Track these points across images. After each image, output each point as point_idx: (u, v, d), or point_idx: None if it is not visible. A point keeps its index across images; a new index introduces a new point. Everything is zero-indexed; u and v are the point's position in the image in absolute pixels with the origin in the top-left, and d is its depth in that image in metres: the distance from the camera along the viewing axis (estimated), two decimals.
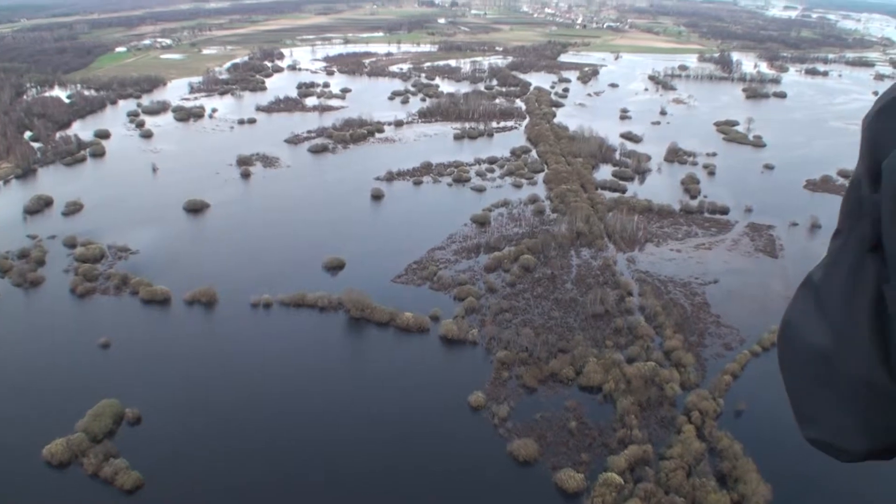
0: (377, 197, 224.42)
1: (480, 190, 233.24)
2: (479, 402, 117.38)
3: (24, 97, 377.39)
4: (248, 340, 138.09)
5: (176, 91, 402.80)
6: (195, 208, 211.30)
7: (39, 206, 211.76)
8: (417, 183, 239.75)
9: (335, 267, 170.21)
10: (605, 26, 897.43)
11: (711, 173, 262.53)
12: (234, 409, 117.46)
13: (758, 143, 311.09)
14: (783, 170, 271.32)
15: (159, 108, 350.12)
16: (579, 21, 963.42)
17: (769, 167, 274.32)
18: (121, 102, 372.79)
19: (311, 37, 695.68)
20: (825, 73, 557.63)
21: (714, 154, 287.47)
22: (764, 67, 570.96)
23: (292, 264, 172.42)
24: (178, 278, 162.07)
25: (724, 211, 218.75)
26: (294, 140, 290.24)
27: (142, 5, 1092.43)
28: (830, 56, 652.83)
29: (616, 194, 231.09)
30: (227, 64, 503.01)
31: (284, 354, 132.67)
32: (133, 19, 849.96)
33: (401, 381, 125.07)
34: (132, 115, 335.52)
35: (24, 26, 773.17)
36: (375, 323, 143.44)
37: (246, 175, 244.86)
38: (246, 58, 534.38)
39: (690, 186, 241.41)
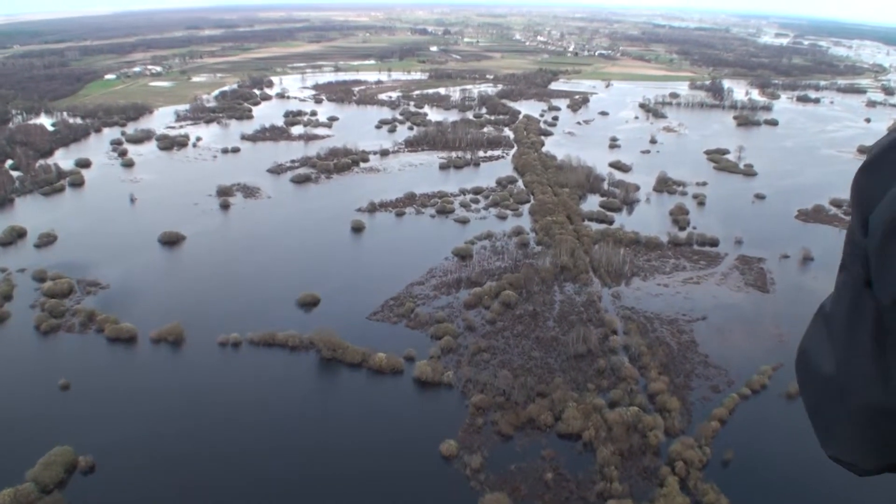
0: (357, 229, 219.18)
1: (464, 221, 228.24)
2: (452, 450, 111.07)
3: (9, 124, 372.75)
4: (213, 383, 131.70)
5: (162, 119, 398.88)
6: (170, 241, 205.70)
7: (12, 238, 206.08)
8: (400, 214, 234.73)
9: (309, 303, 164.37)
10: (596, 54, 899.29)
11: (701, 203, 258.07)
12: (195, 458, 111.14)
13: (749, 172, 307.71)
14: (774, 199, 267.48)
15: (143, 137, 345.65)
16: (571, 49, 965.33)
17: (760, 197, 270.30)
18: (105, 130, 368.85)
19: (301, 64, 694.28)
20: (817, 100, 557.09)
21: (704, 183, 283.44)
22: (755, 95, 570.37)
23: (265, 300, 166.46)
24: (147, 315, 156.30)
25: (714, 243, 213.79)
26: (277, 170, 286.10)
27: (135, 33, 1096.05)
28: (822, 83, 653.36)
29: (603, 226, 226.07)
30: (216, 92, 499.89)
31: (249, 398, 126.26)
32: (125, 46, 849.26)
33: (370, 427, 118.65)
34: (115, 144, 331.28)
35: (16, 52, 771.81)
36: (347, 364, 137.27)
37: (225, 206, 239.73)
38: (235, 85, 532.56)
39: (679, 217, 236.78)
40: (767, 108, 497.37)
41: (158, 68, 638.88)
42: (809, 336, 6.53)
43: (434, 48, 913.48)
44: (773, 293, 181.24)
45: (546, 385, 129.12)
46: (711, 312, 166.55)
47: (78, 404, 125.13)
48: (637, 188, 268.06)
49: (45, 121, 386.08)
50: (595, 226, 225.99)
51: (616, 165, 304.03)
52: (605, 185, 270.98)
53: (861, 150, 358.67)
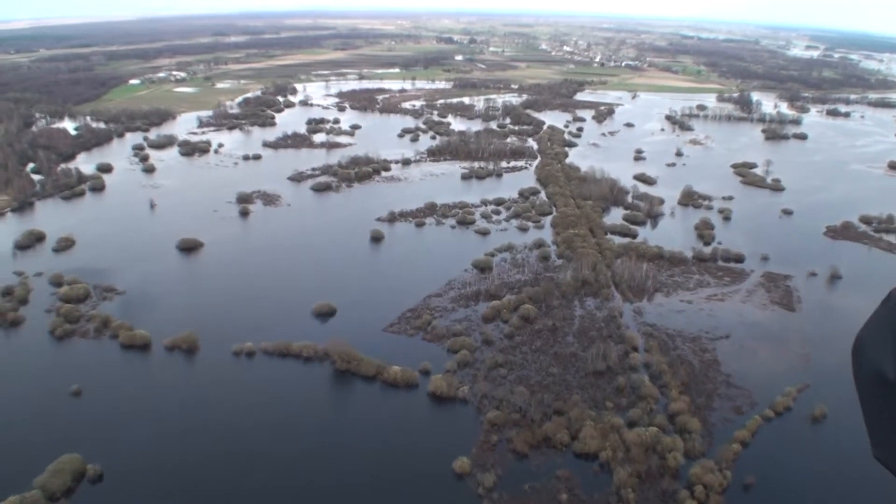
0: (377, 239, 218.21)
1: (484, 233, 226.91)
2: (465, 468, 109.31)
3: (32, 128, 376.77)
4: (226, 393, 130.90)
5: (185, 125, 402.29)
6: (189, 247, 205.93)
7: (30, 242, 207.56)
8: (420, 224, 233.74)
9: (325, 313, 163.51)
10: (623, 65, 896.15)
11: (727, 218, 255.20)
12: (204, 470, 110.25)
13: (776, 187, 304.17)
14: (802, 215, 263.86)
15: (165, 142, 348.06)
16: (597, 59, 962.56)
17: (787, 212, 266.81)
18: (128, 135, 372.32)
19: (325, 72, 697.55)
20: (847, 115, 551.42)
21: (730, 198, 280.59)
22: (784, 108, 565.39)
23: (281, 309, 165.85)
24: (162, 322, 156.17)
25: (739, 259, 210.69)
26: (297, 177, 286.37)
27: (161, 38, 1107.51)
28: (852, 97, 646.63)
29: (626, 240, 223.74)
30: (239, 98, 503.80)
31: (262, 410, 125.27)
32: (151, 52, 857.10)
33: (382, 442, 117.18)
34: (137, 149, 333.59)
35: (42, 56, 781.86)
36: (361, 376, 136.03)
37: (244, 213, 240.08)
38: (258, 92, 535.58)
39: (704, 232, 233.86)
40: (796, 122, 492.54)
41: (183, 74, 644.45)
42: (871, 328, 5.91)
43: (459, 57, 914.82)
44: (799, 312, 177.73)
45: (563, 402, 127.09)
46: (735, 331, 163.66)
47: (89, 411, 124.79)
48: (662, 202, 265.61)
49: (69, 125, 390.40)
50: (618, 239, 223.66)
51: (641, 178, 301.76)
52: (629, 198, 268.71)
53: (892, 165, 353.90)
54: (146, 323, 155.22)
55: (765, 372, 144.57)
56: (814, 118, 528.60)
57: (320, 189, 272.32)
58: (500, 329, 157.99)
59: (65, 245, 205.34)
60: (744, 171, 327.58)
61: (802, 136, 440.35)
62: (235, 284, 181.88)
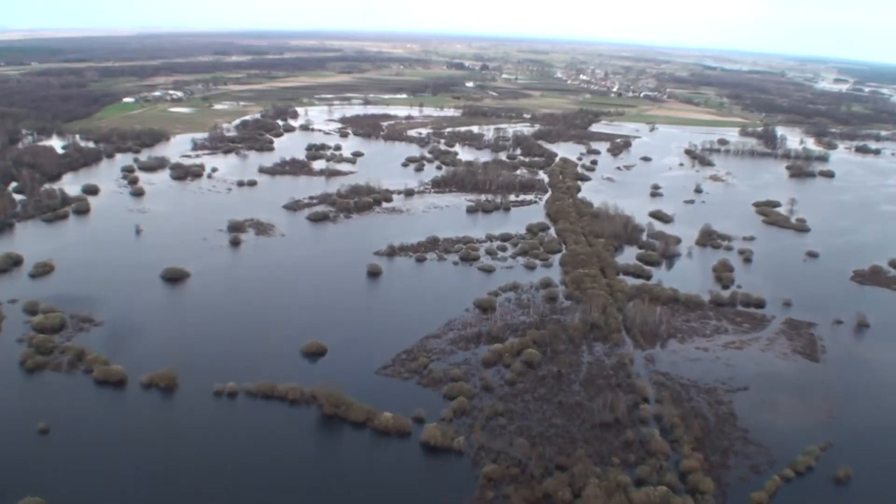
0: (374, 274, 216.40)
1: (489, 270, 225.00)
2: None
3: (18, 145, 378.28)
4: (204, 437, 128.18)
5: (178, 147, 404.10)
6: (174, 277, 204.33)
7: (7, 266, 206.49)
8: (420, 260, 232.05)
9: (314, 353, 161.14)
10: (641, 95, 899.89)
11: (748, 260, 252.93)
12: None
13: (801, 227, 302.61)
14: (828, 258, 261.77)
15: (157, 165, 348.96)
16: (615, 89, 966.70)
17: (813, 255, 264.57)
18: (118, 156, 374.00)
19: (329, 96, 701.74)
20: (877, 152, 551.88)
21: (752, 238, 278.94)
22: (810, 143, 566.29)
23: (268, 347, 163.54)
24: (140, 356, 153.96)
25: (760, 304, 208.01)
26: (293, 206, 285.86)
27: (159, 55, 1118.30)
28: (883, 133, 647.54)
29: (639, 281, 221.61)
30: (237, 121, 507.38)
31: (240, 457, 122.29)
32: (148, 69, 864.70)
33: (369, 495, 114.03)
34: (126, 171, 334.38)
35: (34, 70, 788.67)
36: (350, 422, 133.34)
37: (235, 242, 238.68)
38: (258, 115, 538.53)
39: (723, 274, 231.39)
40: (823, 159, 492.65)
41: (180, 93, 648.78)
42: None
43: (470, 84, 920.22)
44: (823, 362, 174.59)
45: (567, 457, 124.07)
46: (754, 382, 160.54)
47: (55, 451, 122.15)
48: (678, 241, 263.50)
49: (56, 143, 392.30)
50: (631, 281, 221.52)
51: (657, 215, 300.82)
52: (644, 237, 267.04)
53: None
54: (123, 357, 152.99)
55: (785, 428, 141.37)
56: (842, 155, 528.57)
57: (317, 219, 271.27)
58: (502, 374, 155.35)
59: (43, 271, 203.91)
60: (766, 210, 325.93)
61: (829, 174, 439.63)
62: (221, 319, 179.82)
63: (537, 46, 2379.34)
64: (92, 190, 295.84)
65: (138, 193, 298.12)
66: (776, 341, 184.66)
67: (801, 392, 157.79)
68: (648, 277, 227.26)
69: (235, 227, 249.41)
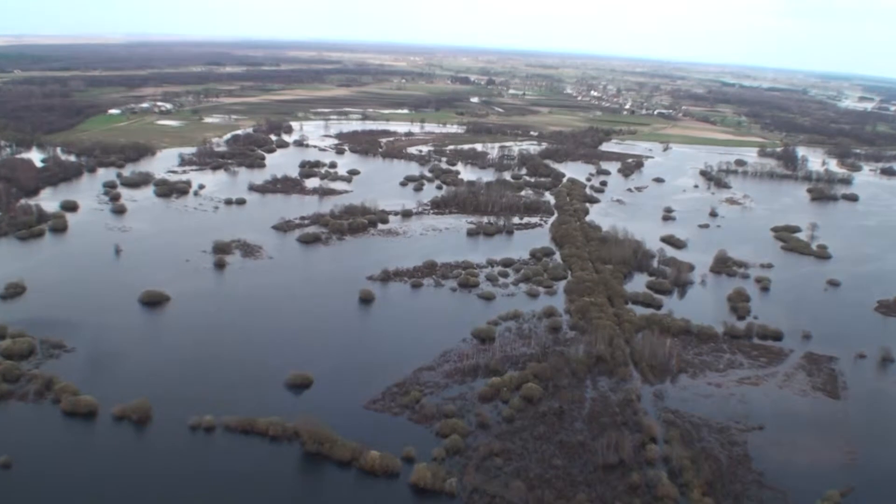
0: (366, 300, 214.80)
1: (489, 298, 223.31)
2: None
3: None
4: (176, 474, 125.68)
5: (164, 162, 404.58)
6: (152, 301, 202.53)
7: None
8: (416, 285, 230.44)
9: (299, 385, 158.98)
10: (655, 113, 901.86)
11: (765, 289, 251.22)
12: None
13: (822, 254, 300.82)
14: (851, 287, 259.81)
15: (140, 181, 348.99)
16: (627, 106, 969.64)
17: (834, 283, 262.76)
18: (100, 171, 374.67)
19: (326, 110, 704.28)
20: None
21: (769, 265, 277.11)
22: (833, 165, 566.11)
23: (250, 378, 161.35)
24: (113, 386, 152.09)
25: (777, 336, 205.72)
26: (283, 226, 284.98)
27: (149, 65, 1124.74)
28: None
29: (649, 311, 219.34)
30: (228, 135, 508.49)
31: (216, 497, 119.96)
32: (136, 79, 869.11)
33: None
34: (108, 187, 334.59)
35: (16, 78, 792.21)
36: (335, 460, 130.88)
37: (220, 265, 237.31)
38: (250, 129, 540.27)
39: (738, 304, 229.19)
40: (846, 181, 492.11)
41: (168, 105, 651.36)
42: None
43: (475, 99, 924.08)
44: (844, 400, 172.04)
45: (567, 501, 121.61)
46: (770, 420, 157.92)
47: (17, 488, 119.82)
48: (691, 268, 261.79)
49: (36, 156, 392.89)
50: (640, 310, 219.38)
51: (669, 240, 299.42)
52: (655, 263, 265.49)
53: None
54: (95, 386, 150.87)
55: (803, 471, 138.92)
56: (866, 177, 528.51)
57: (308, 241, 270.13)
58: (499, 410, 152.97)
59: (13, 292, 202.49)
60: (786, 236, 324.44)
61: (853, 198, 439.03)
62: (201, 346, 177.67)
63: (546, 61, 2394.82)
64: (71, 206, 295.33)
65: (119, 211, 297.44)
66: (794, 377, 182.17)
67: (821, 432, 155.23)
68: (659, 307, 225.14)
69: (220, 249, 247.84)
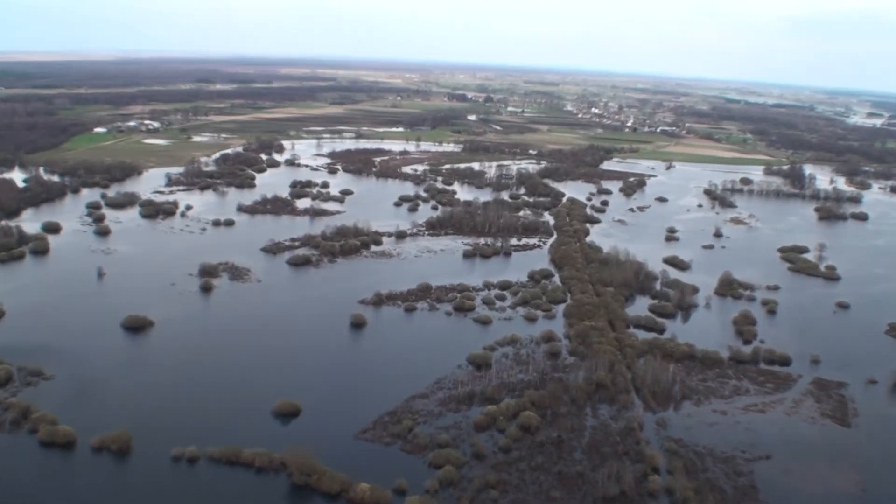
0: (358, 325, 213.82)
1: (485, 322, 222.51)
2: None
3: None
4: None
5: (151, 182, 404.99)
6: (136, 326, 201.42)
7: None
8: (410, 309, 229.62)
9: (287, 413, 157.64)
10: (658, 130, 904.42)
11: (772, 311, 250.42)
12: None
13: (831, 276, 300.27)
14: (861, 309, 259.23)
15: (125, 201, 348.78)
16: (629, 123, 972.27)
17: (843, 306, 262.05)
18: (84, 191, 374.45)
19: (319, 128, 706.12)
20: None
21: (776, 287, 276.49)
22: (841, 183, 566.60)
23: (236, 407, 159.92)
24: (93, 415, 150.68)
25: (785, 361, 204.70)
26: (273, 248, 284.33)
27: (137, 82, 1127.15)
28: None
29: (651, 335, 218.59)
30: (217, 154, 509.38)
31: None
32: (123, 97, 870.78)
33: None
34: (92, 208, 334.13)
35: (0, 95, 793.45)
36: (323, 493, 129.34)
37: (206, 288, 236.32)
38: (240, 148, 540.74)
39: (744, 328, 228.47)
40: (855, 200, 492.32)
41: (156, 124, 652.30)
42: None
43: (472, 117, 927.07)
44: (855, 427, 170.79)
45: None
46: (777, 449, 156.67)
47: None
48: (695, 290, 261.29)
49: (18, 175, 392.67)
50: (642, 334, 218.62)
51: (672, 262, 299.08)
52: (658, 286, 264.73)
53: None
54: (74, 415, 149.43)
55: (812, 502, 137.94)
56: (876, 195, 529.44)
57: (298, 263, 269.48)
58: (495, 440, 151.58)
59: None
60: (793, 257, 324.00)
61: (862, 217, 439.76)
62: (185, 373, 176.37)
63: (546, 77, 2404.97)
64: (53, 228, 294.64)
65: (103, 232, 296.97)
66: (803, 403, 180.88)
67: (831, 461, 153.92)
68: (661, 331, 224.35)
69: (207, 272, 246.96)
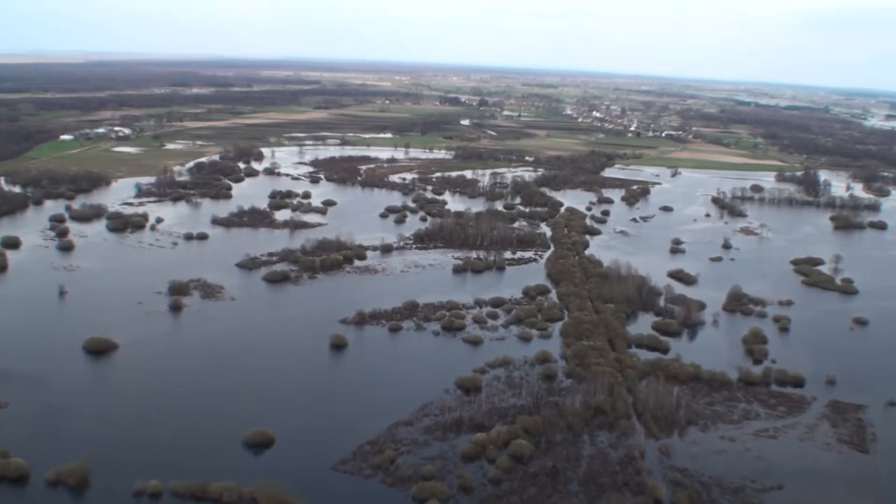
0: (338, 346, 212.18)
1: (475, 342, 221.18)
2: None
3: None
4: None
5: (120, 192, 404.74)
6: (98, 349, 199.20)
7: None
8: (395, 329, 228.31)
9: (260, 443, 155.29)
10: (663, 135, 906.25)
11: (784, 329, 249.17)
12: None
13: (847, 289, 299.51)
14: (880, 326, 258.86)
15: (92, 214, 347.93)
16: (633, 128, 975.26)
17: (861, 322, 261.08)
18: (48, 203, 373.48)
19: (301, 135, 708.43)
20: None
21: (789, 303, 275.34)
22: (859, 190, 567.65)
23: (204, 436, 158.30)
24: (49, 447, 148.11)
25: (798, 383, 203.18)
26: (248, 264, 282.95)
27: (108, 86, 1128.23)
28: None
29: (654, 355, 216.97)
30: (191, 163, 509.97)
31: None
32: (93, 102, 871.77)
33: None
34: (56, 221, 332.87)
35: None
36: None
37: (176, 307, 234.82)
38: (216, 156, 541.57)
39: (755, 347, 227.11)
40: (874, 208, 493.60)
41: (127, 130, 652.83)
42: None
43: (465, 121, 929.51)
44: (874, 454, 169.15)
45: None
46: (791, 478, 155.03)
47: None
48: (702, 306, 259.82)
49: None
50: (644, 354, 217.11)
51: (677, 276, 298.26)
52: (662, 302, 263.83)
53: None
54: (28, 447, 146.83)
55: None
56: (895, 203, 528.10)
57: (275, 280, 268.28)
58: (484, 471, 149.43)
59: None
60: (807, 269, 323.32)
61: (881, 226, 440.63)
62: (150, 400, 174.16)
63: (545, 79, 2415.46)
64: (12, 243, 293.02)
65: (67, 248, 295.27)
66: (818, 428, 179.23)
67: (848, 490, 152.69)
68: (665, 351, 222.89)
69: (177, 290, 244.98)
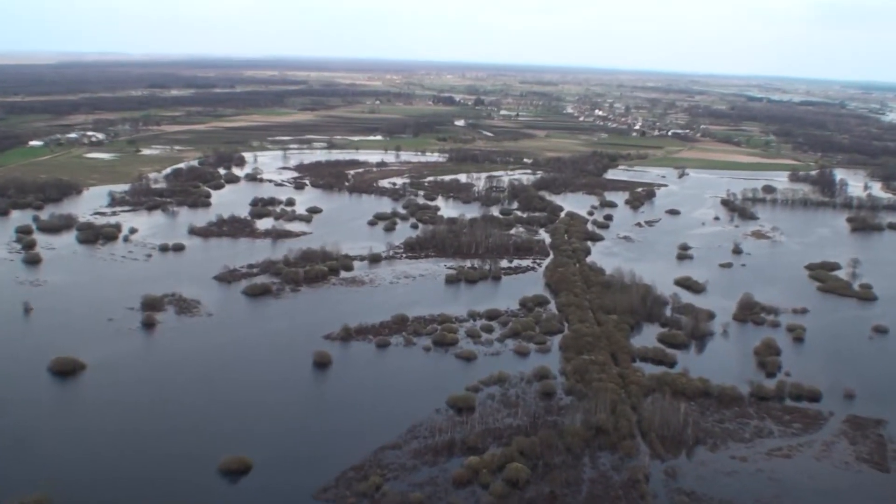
0: (321, 364, 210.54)
1: (469, 358, 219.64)
2: None
3: None
4: None
5: (92, 202, 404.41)
6: (64, 370, 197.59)
7: None
8: (382, 345, 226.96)
9: (235, 471, 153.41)
10: (670, 134, 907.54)
11: (799, 339, 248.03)
12: None
13: (866, 296, 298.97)
14: None
15: (61, 225, 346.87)
16: (637, 127, 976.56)
17: (881, 330, 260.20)
18: (14, 213, 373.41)
19: (286, 138, 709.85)
20: None
21: (804, 311, 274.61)
22: (877, 189, 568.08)
23: (176, 463, 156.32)
24: (9, 475, 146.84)
25: (814, 397, 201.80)
26: (227, 277, 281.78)
27: (81, 88, 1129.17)
28: None
29: (660, 369, 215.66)
30: (168, 169, 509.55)
31: None
32: (64, 105, 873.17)
33: None
34: (22, 232, 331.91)
35: None
36: None
37: (149, 324, 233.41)
38: (195, 162, 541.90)
39: (767, 359, 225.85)
40: (893, 208, 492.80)
41: (101, 135, 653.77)
42: None
43: (460, 122, 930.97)
44: (895, 472, 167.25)
45: None
46: (806, 500, 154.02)
47: None
48: (711, 316, 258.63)
49: None
50: (649, 368, 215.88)
51: (685, 284, 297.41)
52: (668, 312, 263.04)
53: None
54: None
55: None
56: None
57: (255, 293, 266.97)
58: (477, 498, 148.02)
59: None
60: (823, 275, 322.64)
61: None
62: (120, 424, 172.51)
63: (544, 76, 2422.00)
64: None
65: (33, 261, 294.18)
66: (835, 446, 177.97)
67: None
68: (672, 364, 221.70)
69: (150, 305, 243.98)
